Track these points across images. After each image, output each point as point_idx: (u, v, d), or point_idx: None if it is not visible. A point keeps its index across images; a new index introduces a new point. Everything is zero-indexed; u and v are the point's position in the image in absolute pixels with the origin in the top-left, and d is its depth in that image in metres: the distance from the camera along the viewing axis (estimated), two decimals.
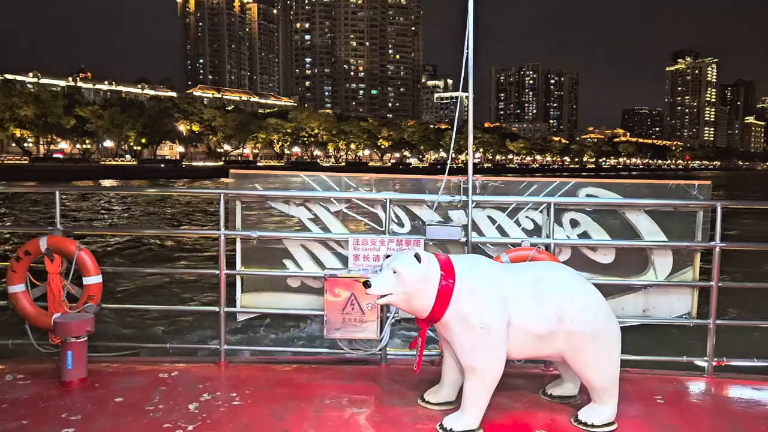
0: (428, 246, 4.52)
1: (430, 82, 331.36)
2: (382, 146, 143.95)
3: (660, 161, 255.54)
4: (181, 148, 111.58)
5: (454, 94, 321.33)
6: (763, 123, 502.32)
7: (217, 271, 4.54)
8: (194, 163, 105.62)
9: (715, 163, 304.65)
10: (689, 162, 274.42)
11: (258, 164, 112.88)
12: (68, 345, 3.96)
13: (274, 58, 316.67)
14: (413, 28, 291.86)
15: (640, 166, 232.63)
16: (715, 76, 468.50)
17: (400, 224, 4.67)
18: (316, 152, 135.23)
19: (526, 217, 4.61)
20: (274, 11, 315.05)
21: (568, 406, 3.70)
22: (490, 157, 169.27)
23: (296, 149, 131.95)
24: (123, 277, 13.26)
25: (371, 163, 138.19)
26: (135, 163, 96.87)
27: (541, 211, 4.58)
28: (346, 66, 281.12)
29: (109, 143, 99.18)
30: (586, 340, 3.31)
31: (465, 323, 3.23)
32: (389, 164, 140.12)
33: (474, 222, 4.55)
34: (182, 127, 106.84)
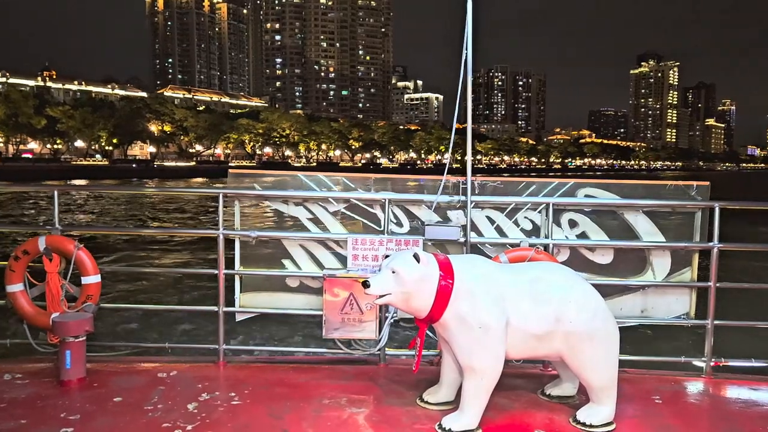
0: (427, 246, 4.54)
1: (400, 83, 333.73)
2: (353, 147, 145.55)
3: (624, 162, 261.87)
4: (152, 148, 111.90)
5: (424, 95, 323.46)
6: (723, 125, 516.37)
7: (216, 271, 4.56)
8: (166, 164, 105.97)
9: (677, 163, 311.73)
10: (652, 163, 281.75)
11: (230, 164, 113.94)
12: (67, 344, 3.96)
13: (244, 58, 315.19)
14: (383, 30, 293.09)
15: (605, 167, 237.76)
16: (677, 79, 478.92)
17: (399, 224, 4.69)
18: (288, 152, 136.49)
19: (525, 217, 4.64)
20: (244, 11, 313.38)
21: (567, 406, 3.72)
22: (459, 158, 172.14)
23: (267, 149, 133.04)
24: (121, 277, 13.26)
25: (342, 164, 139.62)
26: (107, 163, 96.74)
27: (539, 212, 4.60)
28: (316, 67, 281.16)
29: (80, 143, 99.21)
30: (584, 340, 3.33)
31: (463, 323, 3.25)
32: (360, 164, 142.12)
33: (473, 222, 4.57)
34: (154, 128, 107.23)
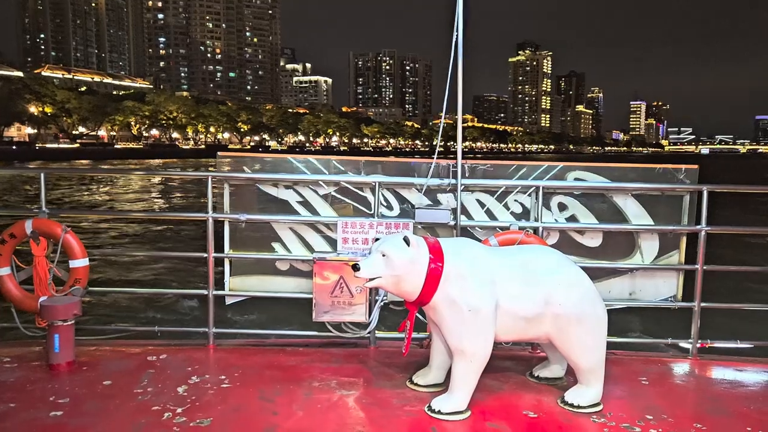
0: (417, 229, 4.53)
1: (288, 66, 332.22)
2: (242, 129, 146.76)
3: (502, 145, 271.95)
4: (30, 130, 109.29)
5: (313, 78, 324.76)
6: (592, 111, 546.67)
7: (205, 255, 4.52)
8: (48, 145, 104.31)
9: (550, 147, 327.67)
10: (525, 146, 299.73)
11: (116, 146, 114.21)
12: (55, 328, 3.92)
13: (124, 36, 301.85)
14: (270, 12, 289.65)
15: (484, 150, 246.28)
16: (550, 68, 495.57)
17: (389, 207, 4.68)
18: (175, 135, 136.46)
19: (515, 200, 4.63)
20: None
21: (555, 387, 3.75)
22: (346, 141, 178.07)
23: (154, 132, 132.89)
24: (110, 260, 13.16)
25: (231, 146, 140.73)
26: None
27: (529, 195, 4.60)
28: (202, 48, 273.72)
29: None
30: (572, 322, 3.35)
31: (453, 306, 3.26)
32: (249, 147, 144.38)
33: (463, 205, 4.57)
34: (34, 109, 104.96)
